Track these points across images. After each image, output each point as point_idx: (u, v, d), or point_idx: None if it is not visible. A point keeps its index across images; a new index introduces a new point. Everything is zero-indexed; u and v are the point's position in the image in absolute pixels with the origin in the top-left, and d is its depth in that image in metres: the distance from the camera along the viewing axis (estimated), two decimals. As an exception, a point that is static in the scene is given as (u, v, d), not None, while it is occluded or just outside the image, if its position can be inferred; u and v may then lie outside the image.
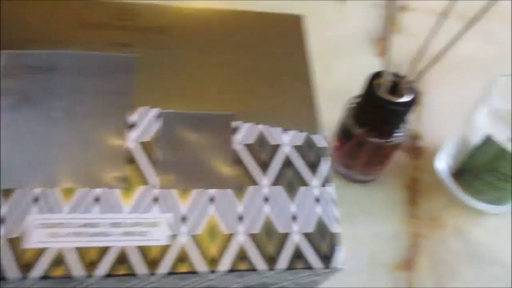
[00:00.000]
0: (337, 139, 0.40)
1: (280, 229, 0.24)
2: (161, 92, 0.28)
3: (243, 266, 0.23)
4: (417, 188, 0.42)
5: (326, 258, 0.24)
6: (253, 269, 0.23)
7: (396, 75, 0.35)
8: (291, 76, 0.30)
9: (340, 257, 0.24)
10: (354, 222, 0.38)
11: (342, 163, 0.40)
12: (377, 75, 0.35)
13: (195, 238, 0.24)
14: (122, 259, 0.23)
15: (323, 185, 0.26)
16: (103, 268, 0.22)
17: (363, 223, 0.38)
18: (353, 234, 0.37)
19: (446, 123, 0.46)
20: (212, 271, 0.23)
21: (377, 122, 0.36)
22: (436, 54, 0.33)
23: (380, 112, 0.35)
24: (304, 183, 0.26)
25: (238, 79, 0.29)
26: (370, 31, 0.56)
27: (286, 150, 0.27)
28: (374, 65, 0.52)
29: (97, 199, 0.24)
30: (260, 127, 0.27)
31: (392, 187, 0.41)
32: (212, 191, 0.25)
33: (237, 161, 0.26)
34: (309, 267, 0.24)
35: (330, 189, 0.26)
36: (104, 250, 0.23)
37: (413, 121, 0.47)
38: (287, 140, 0.27)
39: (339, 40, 0.54)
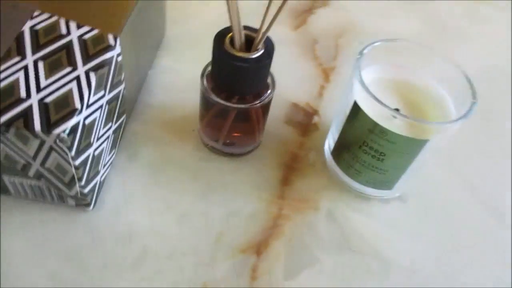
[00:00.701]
0: (200, 110, 0.35)
1: (21, 94, 0.26)
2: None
3: None
4: (296, 166, 0.37)
5: (50, 124, 0.25)
6: None
7: (248, 29, 0.31)
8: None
9: (64, 127, 0.25)
10: (209, 198, 0.34)
11: (209, 135, 0.36)
12: (226, 32, 0.31)
13: None
14: None
15: (88, 72, 0.28)
16: None
17: (220, 200, 0.34)
18: (204, 211, 0.33)
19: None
20: None
21: (231, 84, 0.32)
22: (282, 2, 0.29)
23: (231, 71, 0.31)
24: (71, 65, 0.28)
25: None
26: (291, 3, 0.52)
27: (69, 38, 0.30)
28: (289, 39, 0.48)
29: None
30: (57, 18, 0.31)
31: (267, 163, 0.37)
32: None
33: (17, 39, 0.29)
34: (26, 127, 0.25)
35: (93, 76, 0.28)
36: None
37: (314, 97, 0.43)
38: (75, 33, 0.30)
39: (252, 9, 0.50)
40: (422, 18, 0.54)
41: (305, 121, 0.40)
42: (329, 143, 0.37)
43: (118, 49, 0.30)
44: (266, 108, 0.34)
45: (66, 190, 0.30)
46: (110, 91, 0.30)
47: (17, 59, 0.28)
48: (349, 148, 0.33)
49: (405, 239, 0.34)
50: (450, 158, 0.39)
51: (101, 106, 0.29)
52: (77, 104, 0.26)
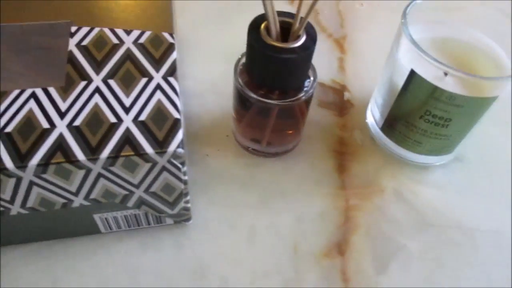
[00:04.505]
0: (235, 110, 0.32)
1: (109, 119, 0.23)
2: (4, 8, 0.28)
3: (59, 158, 0.22)
4: (346, 151, 0.34)
5: (160, 143, 0.23)
6: (71, 161, 0.22)
7: (284, 15, 0.27)
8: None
9: (176, 141, 0.23)
10: (270, 206, 0.31)
11: (249, 137, 0.33)
12: (260, 21, 0.27)
13: (6, 134, 0.22)
14: None
15: (166, 76, 0.26)
16: None
17: (282, 207, 0.31)
18: (270, 221, 0.30)
19: (377, 69, 0.38)
20: (20, 167, 0.21)
21: (273, 79, 0.28)
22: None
23: (272, 65, 0.27)
24: (144, 75, 0.26)
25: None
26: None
27: (125, 46, 0.27)
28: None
29: None
30: (100, 29, 0.28)
31: (315, 154, 0.34)
32: (34, 90, 0.24)
33: (70, 61, 0.26)
34: (138, 152, 0.22)
35: (173, 80, 0.26)
36: None
37: (336, 71, 0.40)
38: (129, 39, 0.27)
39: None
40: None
41: (337, 100, 0.38)
42: (374, 118, 0.34)
43: (176, 47, 0.28)
44: (310, 99, 0.31)
45: (169, 210, 0.27)
46: None
47: (83, 83, 0.25)
48: (406, 120, 0.31)
49: (477, 200, 0.32)
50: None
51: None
52: (175, 114, 0.24)
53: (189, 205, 0.27)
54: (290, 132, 0.32)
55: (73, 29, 0.27)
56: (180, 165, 0.23)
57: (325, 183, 0.32)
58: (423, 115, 0.30)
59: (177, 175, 0.24)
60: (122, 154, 0.22)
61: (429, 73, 0.28)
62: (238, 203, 0.31)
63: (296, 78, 0.29)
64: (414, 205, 0.32)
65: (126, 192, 0.25)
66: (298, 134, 0.33)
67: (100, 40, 0.27)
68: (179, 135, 0.23)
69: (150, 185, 0.25)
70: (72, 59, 0.26)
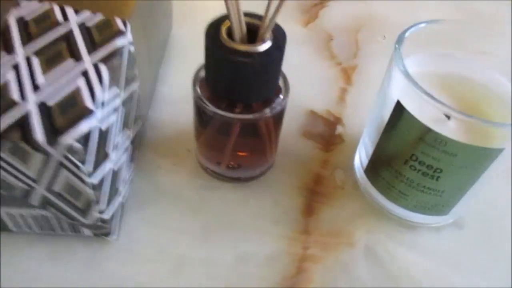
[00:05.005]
0: (195, 126, 0.28)
1: (13, 97, 0.20)
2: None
3: None
4: (320, 190, 0.29)
5: (55, 131, 0.19)
6: None
7: (250, 16, 0.24)
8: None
9: (75, 134, 0.19)
10: (214, 239, 0.26)
11: (208, 157, 0.29)
12: (222, 21, 0.24)
13: None
14: None
15: (97, 64, 0.22)
16: None
17: (228, 241, 0.26)
18: (206, 256, 0.25)
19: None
20: None
21: (232, 88, 0.24)
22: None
23: (232, 71, 0.23)
24: (74, 57, 0.22)
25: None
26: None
27: (67, 26, 0.24)
28: (300, 36, 0.41)
29: None
30: (50, 6, 0.25)
31: (283, 188, 0.29)
32: None
33: (1, 34, 0.23)
34: (25, 139, 0.19)
35: (104, 68, 0.22)
36: None
37: (335, 102, 0.35)
38: (75, 20, 0.24)
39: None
40: (454, 4, 0.46)
41: (326, 133, 0.33)
42: (361, 159, 0.29)
43: (129, 37, 0.25)
44: (279, 118, 0.26)
45: (81, 218, 0.24)
46: (125, 89, 0.25)
47: (6, 57, 0.22)
48: (390, 164, 0.26)
49: (468, 278, 0.26)
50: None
51: (117, 108, 0.23)
52: (89, 104, 0.20)
53: (106, 217, 0.23)
54: (255, 155, 0.28)
55: (23, 3, 0.25)
56: (79, 163, 0.20)
57: (284, 224, 0.27)
58: (408, 160, 0.24)
59: (78, 175, 0.20)
60: (8, 136, 0.19)
61: (424, 112, 0.23)
62: (176, 227, 0.26)
63: (259, 89, 0.24)
64: (387, 269, 0.26)
65: (25, 186, 0.21)
66: (265, 159, 0.29)
67: (44, 15, 0.24)
68: (82, 128, 0.19)
69: (51, 183, 0.21)
70: (4, 31, 0.23)
